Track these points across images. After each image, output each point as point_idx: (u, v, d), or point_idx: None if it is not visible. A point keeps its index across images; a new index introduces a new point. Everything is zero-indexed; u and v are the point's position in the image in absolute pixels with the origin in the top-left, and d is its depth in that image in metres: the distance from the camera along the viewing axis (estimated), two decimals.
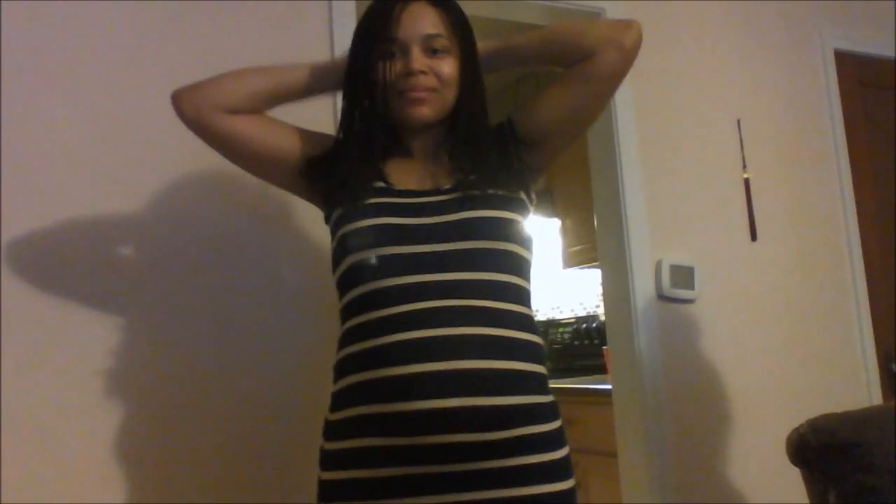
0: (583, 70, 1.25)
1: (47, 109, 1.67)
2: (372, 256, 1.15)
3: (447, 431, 1.08)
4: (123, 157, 1.72)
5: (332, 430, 1.20)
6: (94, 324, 1.65)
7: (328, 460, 1.19)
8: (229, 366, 1.75)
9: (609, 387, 2.43)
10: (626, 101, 2.36)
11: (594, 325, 3.98)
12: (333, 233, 1.24)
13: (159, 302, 1.71)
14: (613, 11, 2.39)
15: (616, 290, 2.34)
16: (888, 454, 1.61)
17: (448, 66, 1.22)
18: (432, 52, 1.21)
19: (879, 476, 1.60)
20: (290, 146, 1.30)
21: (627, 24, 1.28)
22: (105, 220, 1.69)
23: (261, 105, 1.31)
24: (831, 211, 2.66)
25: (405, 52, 1.20)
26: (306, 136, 1.32)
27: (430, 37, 1.20)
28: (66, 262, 1.65)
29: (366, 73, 1.21)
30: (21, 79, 1.65)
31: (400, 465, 1.11)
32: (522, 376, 1.14)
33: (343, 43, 1.93)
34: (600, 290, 2.85)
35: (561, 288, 4.32)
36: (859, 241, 2.68)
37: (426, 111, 1.21)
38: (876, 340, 2.64)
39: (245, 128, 1.29)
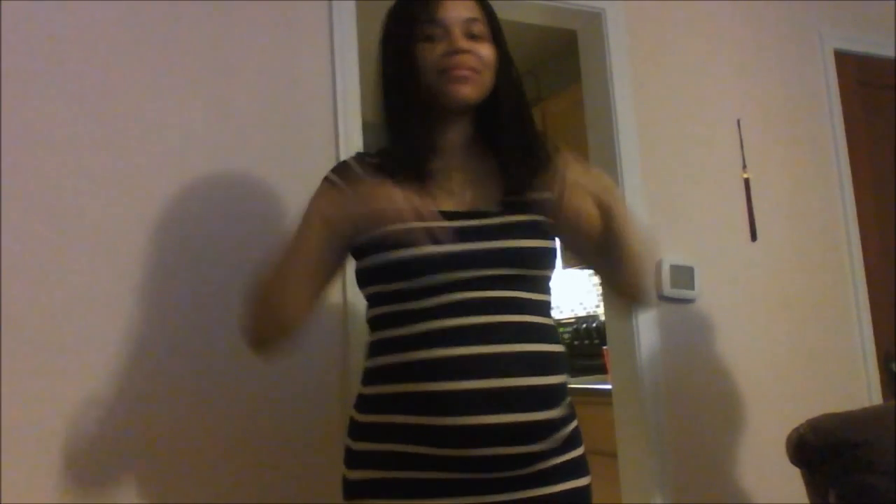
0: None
1: (47, 109, 1.67)
2: (417, 283, 1.14)
3: (486, 445, 1.10)
4: (123, 157, 1.72)
5: (362, 431, 1.20)
6: (94, 324, 1.65)
7: (356, 459, 1.20)
8: (231, 366, 1.75)
9: (609, 387, 2.43)
10: (626, 100, 2.36)
11: (594, 325, 3.98)
12: (366, 248, 1.19)
13: (160, 302, 1.71)
14: (613, 12, 2.39)
15: None
16: (888, 454, 1.61)
17: (487, 50, 1.22)
18: (471, 36, 1.21)
19: (879, 476, 1.60)
20: (334, 251, 1.20)
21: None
22: (105, 220, 1.69)
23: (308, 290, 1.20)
24: (831, 211, 2.66)
25: (447, 33, 1.20)
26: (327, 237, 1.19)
27: (470, 20, 1.21)
28: (66, 262, 1.65)
29: (408, 55, 1.20)
30: (21, 79, 1.65)
31: (433, 470, 1.12)
32: (558, 389, 1.17)
33: (343, 43, 1.95)
34: (600, 290, 2.85)
35: (561, 288, 4.32)
36: (859, 241, 2.68)
37: (469, 90, 1.20)
38: (876, 340, 2.64)
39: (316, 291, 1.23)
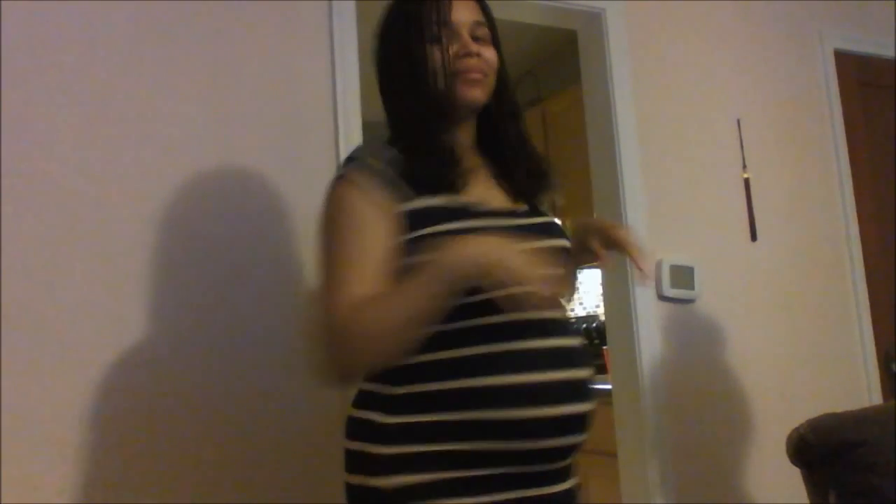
0: None
1: (47, 109, 1.67)
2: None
3: (555, 435, 1.11)
4: (123, 157, 1.72)
5: (402, 433, 1.10)
6: (94, 324, 1.65)
7: (389, 464, 1.10)
8: (232, 366, 1.75)
9: (609, 387, 2.43)
10: (626, 101, 2.36)
11: (594, 325, 3.98)
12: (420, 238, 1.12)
13: (161, 301, 1.71)
14: (613, 12, 2.39)
15: (616, 290, 2.34)
16: (888, 454, 1.61)
17: (491, 53, 1.24)
18: (475, 39, 1.22)
19: (879, 476, 1.60)
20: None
21: None
22: (105, 220, 1.69)
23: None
24: (831, 211, 2.66)
25: (456, 36, 1.20)
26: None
27: (477, 23, 1.22)
28: (67, 262, 1.64)
29: (419, 56, 1.19)
30: (21, 79, 1.65)
31: (483, 467, 1.10)
32: (590, 381, 1.20)
33: (343, 43, 1.95)
34: (600, 290, 2.85)
35: None
36: (859, 241, 2.68)
37: (480, 93, 1.22)
38: (876, 340, 2.64)
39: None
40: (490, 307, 1.08)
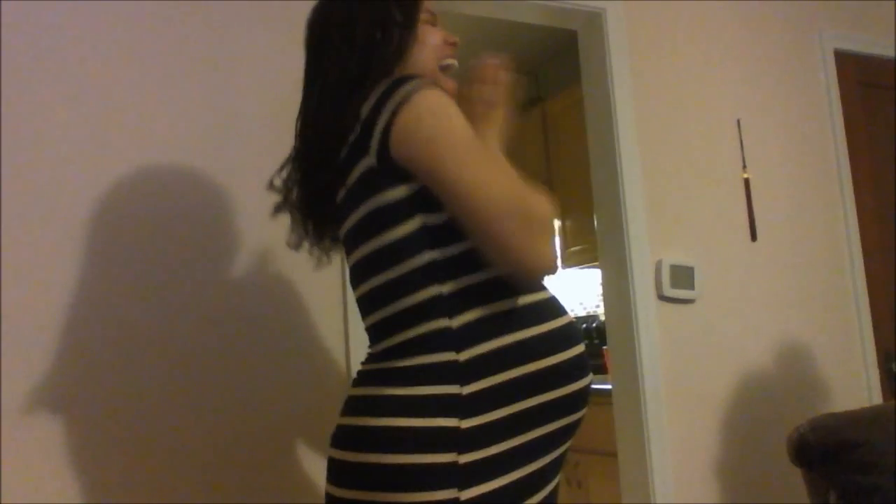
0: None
1: (47, 109, 1.67)
2: None
3: (583, 376, 1.14)
4: (123, 157, 1.72)
5: (481, 435, 1.03)
6: (94, 324, 1.65)
7: (480, 470, 1.02)
8: (231, 365, 1.75)
9: (609, 387, 2.43)
10: (626, 101, 2.36)
11: (594, 325, 3.97)
12: None
13: (161, 301, 1.71)
14: (613, 12, 2.39)
15: (616, 290, 2.34)
16: (888, 454, 1.61)
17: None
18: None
19: (879, 476, 1.60)
20: None
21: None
22: (105, 220, 1.69)
23: None
24: (831, 211, 2.66)
25: (435, 22, 1.24)
26: None
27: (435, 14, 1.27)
28: (66, 262, 1.64)
29: (408, 36, 1.17)
30: (21, 79, 1.65)
31: (557, 446, 1.12)
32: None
33: None
34: (600, 290, 2.85)
35: (561, 288, 4.32)
36: (859, 241, 2.68)
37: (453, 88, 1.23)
38: (876, 340, 2.64)
39: None
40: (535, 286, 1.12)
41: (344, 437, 1.08)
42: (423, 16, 1.20)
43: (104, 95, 1.72)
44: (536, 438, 1.07)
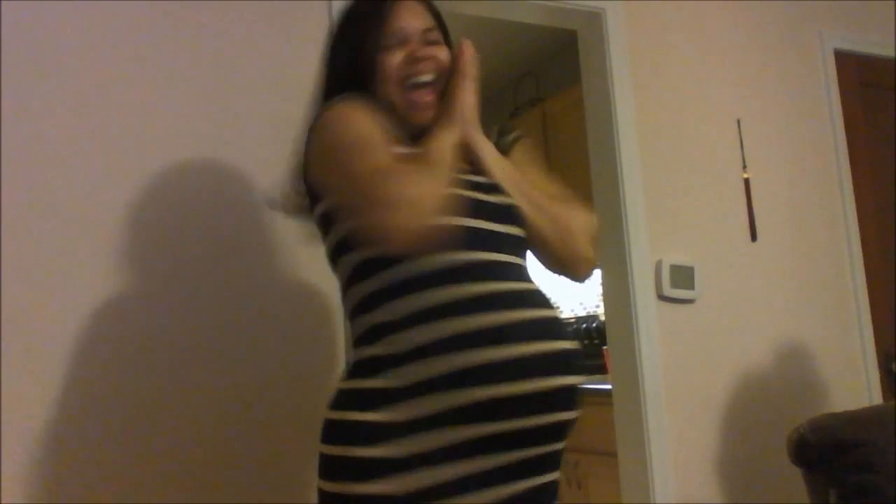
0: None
1: (47, 109, 1.67)
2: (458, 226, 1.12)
3: (542, 412, 1.09)
4: (123, 157, 1.72)
5: (391, 430, 1.06)
6: (94, 323, 1.65)
7: (383, 466, 1.06)
8: (230, 364, 1.75)
9: (609, 387, 2.43)
10: (626, 100, 2.36)
11: (594, 325, 3.97)
12: None
13: (161, 300, 1.71)
14: (613, 11, 2.39)
15: (616, 290, 2.34)
16: (888, 454, 1.61)
17: (444, 54, 1.26)
18: (428, 44, 1.25)
19: (879, 476, 1.60)
20: None
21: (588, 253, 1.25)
22: (104, 220, 1.69)
23: None
24: (831, 211, 2.66)
25: (405, 43, 1.22)
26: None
27: (427, 29, 1.25)
28: (66, 262, 1.64)
29: (369, 64, 1.21)
30: (21, 79, 1.65)
31: (493, 453, 1.07)
32: (576, 355, 1.17)
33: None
34: (600, 290, 2.85)
35: (561, 288, 4.32)
36: (859, 241, 2.67)
37: (429, 116, 1.22)
38: (876, 340, 2.64)
39: None
40: (463, 276, 1.09)
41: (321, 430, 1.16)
42: (386, 41, 1.21)
43: (104, 95, 1.72)
44: (472, 438, 1.06)
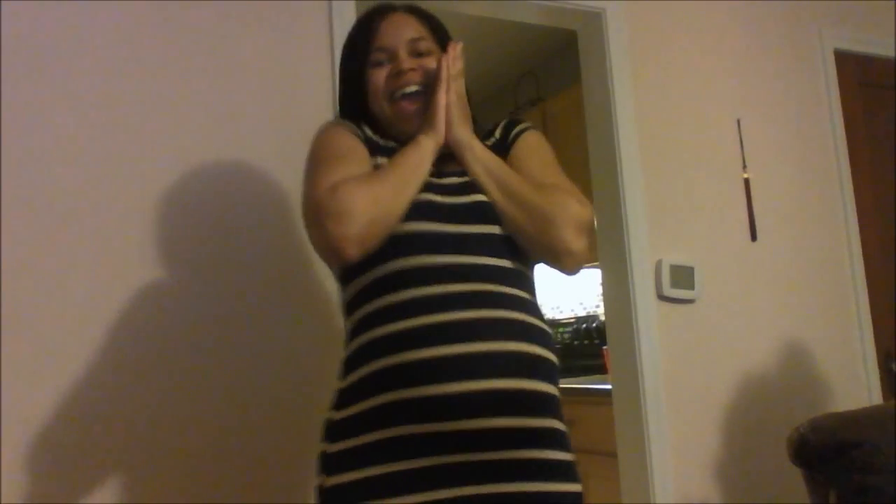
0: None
1: (47, 109, 1.67)
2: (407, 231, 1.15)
3: (479, 415, 1.08)
4: (123, 157, 1.72)
5: (345, 427, 1.14)
6: (94, 323, 1.65)
7: (340, 461, 1.13)
8: (229, 364, 1.75)
9: (609, 387, 2.43)
10: (626, 100, 2.36)
11: (594, 325, 3.98)
12: None
13: (161, 300, 1.71)
14: (613, 12, 2.39)
15: (616, 290, 2.34)
16: (888, 454, 1.61)
17: (433, 61, 1.27)
18: (417, 55, 1.28)
19: (879, 476, 1.60)
20: None
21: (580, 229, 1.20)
22: (105, 220, 1.69)
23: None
24: (831, 211, 2.66)
25: (393, 57, 1.27)
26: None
27: (414, 40, 1.28)
28: (67, 262, 1.65)
29: (360, 82, 1.28)
30: (21, 79, 1.65)
31: (427, 455, 1.08)
32: (541, 360, 1.15)
33: (343, 43, 1.95)
34: (600, 290, 2.85)
35: (561, 288, 4.32)
36: (859, 241, 2.68)
37: (417, 124, 1.24)
38: (876, 340, 2.64)
39: None
40: (399, 282, 1.12)
41: None
42: (374, 57, 1.27)
43: (105, 95, 1.72)
44: (404, 437, 1.08)
